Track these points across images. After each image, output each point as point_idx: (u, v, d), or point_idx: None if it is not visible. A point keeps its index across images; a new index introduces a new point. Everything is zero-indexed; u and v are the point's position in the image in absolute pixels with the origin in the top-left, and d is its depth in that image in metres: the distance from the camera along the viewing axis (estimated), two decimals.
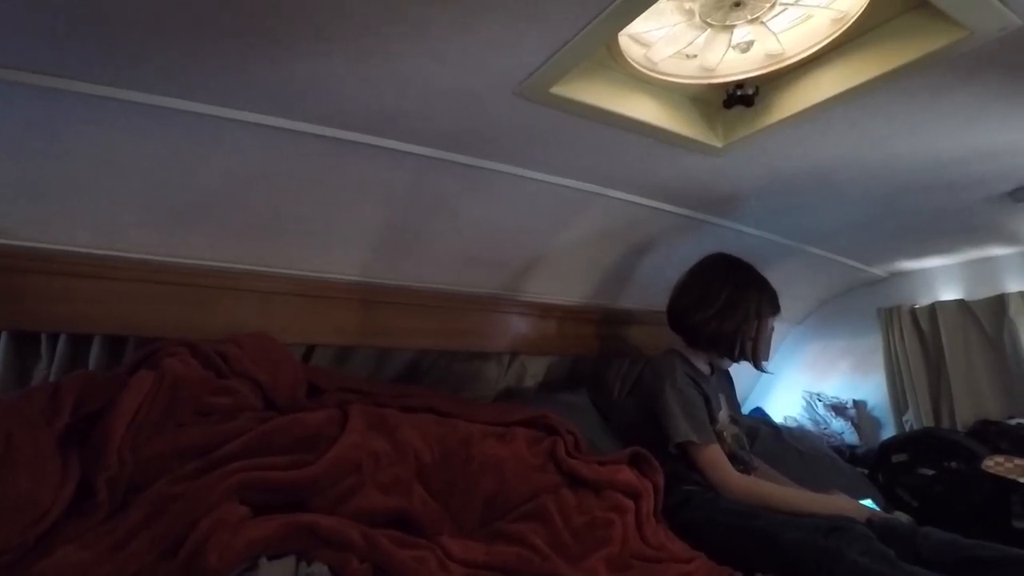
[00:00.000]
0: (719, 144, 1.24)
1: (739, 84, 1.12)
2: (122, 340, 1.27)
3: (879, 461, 1.90)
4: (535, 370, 1.91)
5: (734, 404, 1.68)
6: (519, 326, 1.80)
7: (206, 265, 1.31)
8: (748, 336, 1.51)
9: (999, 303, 1.98)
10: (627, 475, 1.26)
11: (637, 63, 1.06)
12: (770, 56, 1.05)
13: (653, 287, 1.73)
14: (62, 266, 1.15)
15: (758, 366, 1.57)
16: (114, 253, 1.21)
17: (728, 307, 1.49)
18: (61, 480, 0.83)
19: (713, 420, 1.47)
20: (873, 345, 2.34)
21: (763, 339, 1.54)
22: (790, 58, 1.04)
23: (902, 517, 1.45)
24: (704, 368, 1.58)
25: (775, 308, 1.56)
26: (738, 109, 1.15)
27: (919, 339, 2.18)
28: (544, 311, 1.85)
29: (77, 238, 1.17)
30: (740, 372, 1.77)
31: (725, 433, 1.49)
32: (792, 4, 0.95)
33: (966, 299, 2.08)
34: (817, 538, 1.09)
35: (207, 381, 1.08)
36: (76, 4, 0.75)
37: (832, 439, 2.29)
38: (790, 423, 2.43)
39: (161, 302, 1.25)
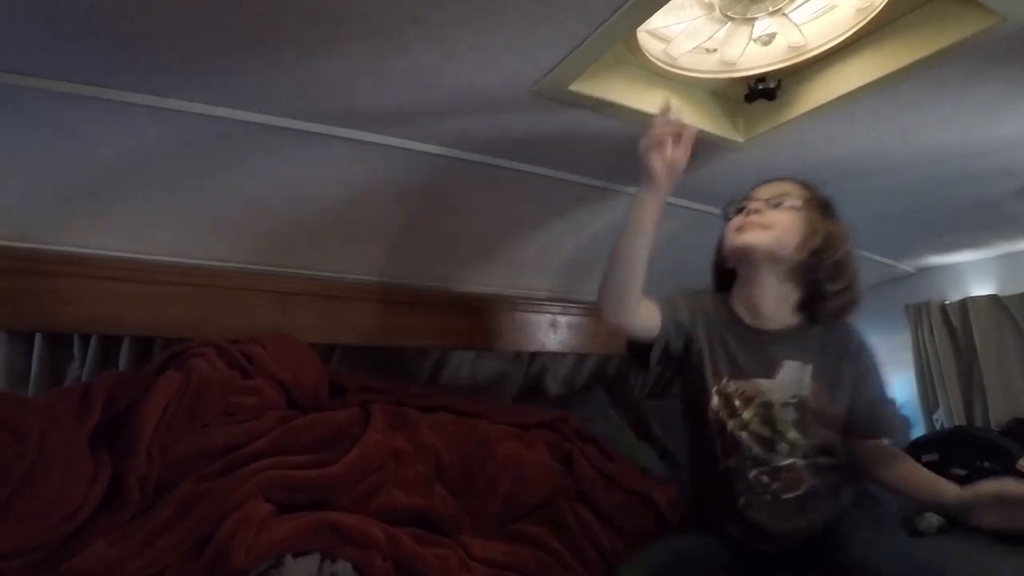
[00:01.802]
0: (741, 139, 1.22)
1: (760, 78, 1.10)
2: (150, 341, 1.30)
3: None
4: (557, 370, 1.90)
5: (829, 387, 1.13)
6: (540, 325, 1.80)
7: (228, 267, 1.33)
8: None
9: None
10: (644, 481, 1.26)
11: (656, 58, 1.05)
12: (792, 48, 1.03)
13: (676, 284, 1.70)
14: (92, 269, 1.18)
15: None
16: (140, 256, 1.23)
17: None
18: (92, 478, 0.85)
19: (717, 374, 1.08)
20: (901, 342, 2.29)
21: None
22: (813, 50, 1.02)
23: (933, 519, 1.41)
24: (746, 316, 1.14)
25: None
26: (760, 103, 1.13)
27: (950, 336, 2.13)
28: (564, 310, 1.84)
29: (105, 242, 1.20)
30: None
31: (737, 402, 1.05)
32: None
33: (999, 294, 2.02)
34: None
35: (232, 381, 1.10)
36: (99, 13, 0.76)
37: None
38: None
39: (185, 303, 1.28)
